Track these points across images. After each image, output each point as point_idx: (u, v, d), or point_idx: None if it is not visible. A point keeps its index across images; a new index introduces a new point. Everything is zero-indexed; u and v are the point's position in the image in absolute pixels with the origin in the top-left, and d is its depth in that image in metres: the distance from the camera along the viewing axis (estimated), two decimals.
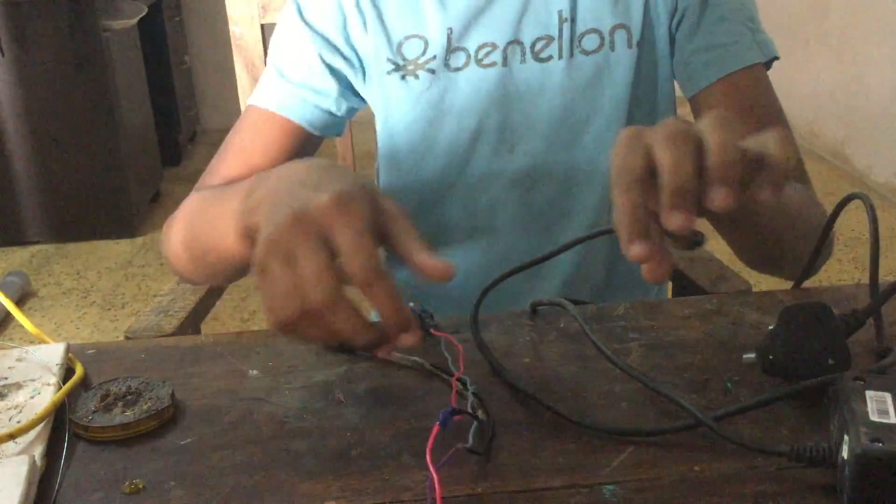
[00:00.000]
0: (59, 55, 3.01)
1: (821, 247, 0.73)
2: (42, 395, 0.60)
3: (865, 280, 0.67)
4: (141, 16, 3.33)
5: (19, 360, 0.65)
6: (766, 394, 0.56)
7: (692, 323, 0.68)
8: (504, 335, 0.67)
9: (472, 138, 0.90)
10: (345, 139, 1.24)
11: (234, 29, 1.16)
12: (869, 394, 0.49)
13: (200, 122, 4.40)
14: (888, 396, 0.49)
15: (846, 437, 0.47)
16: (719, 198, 0.50)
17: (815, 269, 0.77)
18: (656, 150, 0.51)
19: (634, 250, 0.51)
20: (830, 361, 0.57)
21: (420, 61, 0.89)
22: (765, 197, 0.52)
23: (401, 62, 0.89)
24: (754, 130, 0.85)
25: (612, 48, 0.88)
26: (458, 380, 0.57)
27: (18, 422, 0.57)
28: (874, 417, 0.47)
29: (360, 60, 0.92)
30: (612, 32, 0.88)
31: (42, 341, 0.69)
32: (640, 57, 0.88)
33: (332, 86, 0.91)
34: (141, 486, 0.52)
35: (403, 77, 0.89)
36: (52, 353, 0.66)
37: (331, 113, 0.92)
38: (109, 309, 2.73)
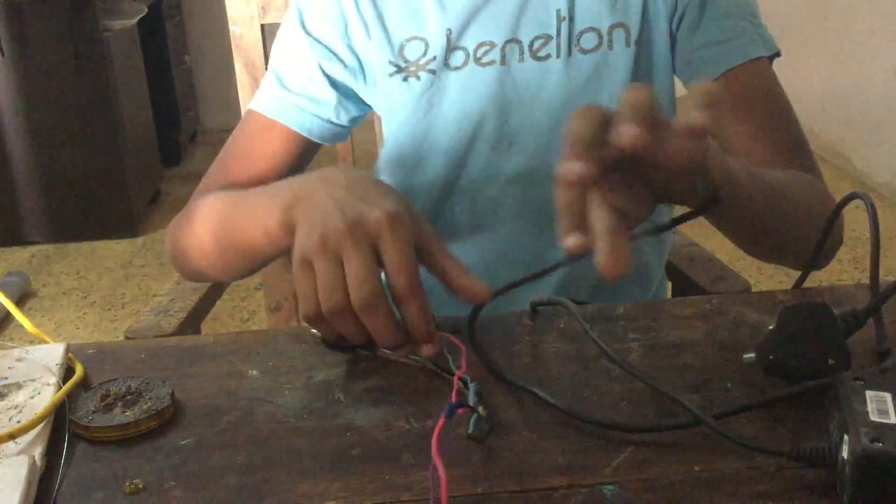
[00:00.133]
0: (59, 55, 3.01)
1: (823, 243, 0.73)
2: (42, 395, 0.60)
3: (865, 280, 0.67)
4: (141, 16, 3.33)
5: (19, 360, 0.65)
6: (766, 394, 0.56)
7: (692, 323, 0.68)
8: (504, 335, 0.67)
9: (471, 137, 0.90)
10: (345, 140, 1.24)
11: (234, 29, 1.16)
12: (869, 394, 0.49)
13: (200, 122, 4.40)
14: (888, 396, 0.49)
15: (846, 437, 0.47)
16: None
17: (827, 260, 0.77)
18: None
19: (572, 240, 0.52)
20: (830, 361, 0.57)
21: (421, 62, 0.89)
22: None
23: (402, 64, 0.90)
24: (762, 123, 0.85)
25: (611, 47, 0.88)
26: (460, 378, 0.57)
27: (18, 422, 0.57)
28: (874, 417, 0.47)
29: (362, 65, 0.92)
30: (610, 31, 0.88)
31: (42, 341, 0.69)
32: (638, 56, 0.88)
33: (331, 96, 0.92)
34: (141, 486, 0.52)
35: (405, 79, 0.90)
36: (52, 353, 0.66)
37: (330, 122, 0.93)
38: (109, 309, 2.73)
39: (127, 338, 0.93)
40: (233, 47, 1.17)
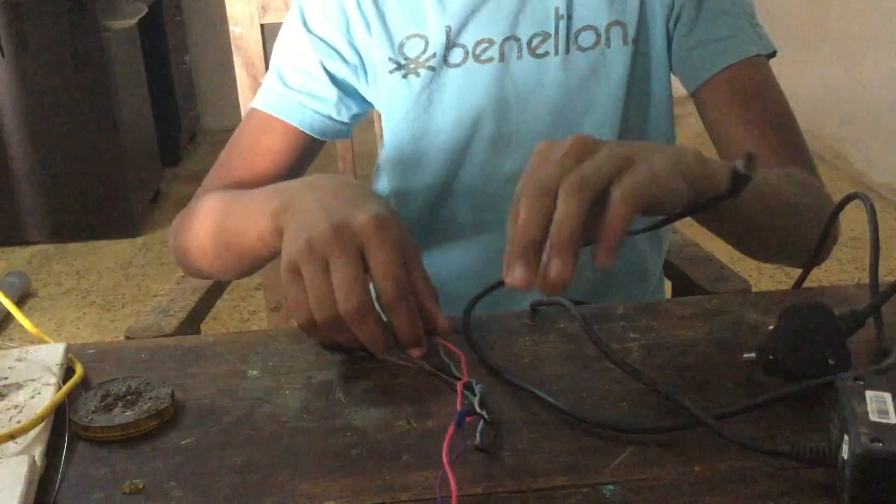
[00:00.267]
0: (59, 55, 3.01)
1: (823, 242, 0.73)
2: (42, 395, 0.60)
3: (865, 280, 0.67)
4: (141, 16, 3.33)
5: (19, 360, 0.65)
6: (766, 394, 0.56)
7: (692, 323, 0.68)
8: (504, 335, 0.67)
9: (470, 134, 0.91)
10: (345, 139, 1.24)
11: (234, 29, 1.16)
12: (869, 394, 0.49)
13: (200, 122, 4.40)
14: (888, 396, 0.49)
15: (846, 437, 0.47)
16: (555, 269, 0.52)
17: (824, 257, 0.77)
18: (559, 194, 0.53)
19: (516, 275, 0.54)
20: (830, 361, 0.57)
21: (421, 59, 0.90)
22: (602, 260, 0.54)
23: (402, 61, 0.90)
24: (759, 121, 0.86)
25: (608, 45, 0.89)
26: (465, 385, 0.57)
27: (18, 422, 0.57)
28: (874, 417, 0.47)
29: (363, 62, 0.93)
30: (607, 29, 0.88)
31: (42, 341, 0.69)
32: (635, 54, 0.89)
33: (332, 93, 0.92)
34: (141, 486, 0.52)
35: (405, 76, 0.91)
36: (52, 353, 0.66)
37: (331, 118, 0.93)
38: (109, 309, 2.73)
39: (127, 338, 0.93)
40: (233, 47, 1.17)
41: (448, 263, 0.94)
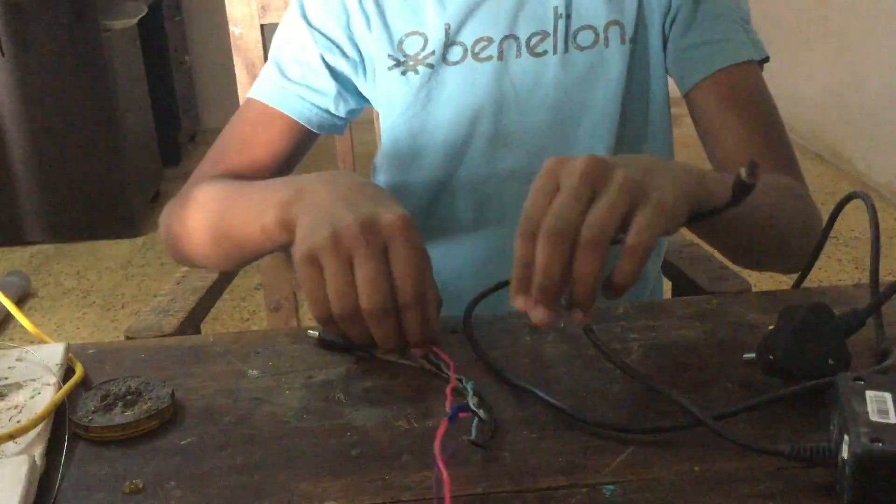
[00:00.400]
0: (59, 55, 3.01)
1: (821, 249, 0.73)
2: (42, 395, 0.60)
3: (865, 280, 0.67)
4: (141, 16, 3.33)
5: (19, 360, 0.65)
6: (766, 394, 0.56)
7: (692, 323, 0.68)
8: (504, 335, 0.67)
9: (468, 132, 0.91)
10: (345, 140, 1.24)
11: (234, 29, 1.16)
12: (869, 394, 0.49)
13: (200, 122, 4.40)
14: (888, 396, 0.49)
15: (846, 437, 0.47)
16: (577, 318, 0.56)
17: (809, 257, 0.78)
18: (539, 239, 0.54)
19: (518, 302, 0.55)
20: (830, 361, 0.57)
21: (420, 56, 0.90)
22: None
23: (401, 58, 0.91)
24: (748, 124, 0.86)
25: (606, 44, 0.89)
26: (458, 380, 0.57)
27: (18, 422, 0.57)
28: (874, 417, 0.47)
29: (363, 57, 0.93)
30: (606, 29, 0.89)
31: (42, 341, 0.69)
32: (633, 53, 0.89)
33: (331, 86, 0.93)
34: (141, 486, 0.52)
35: (404, 73, 0.91)
36: (52, 353, 0.66)
37: (329, 112, 0.94)
38: (109, 309, 2.73)
39: (127, 338, 0.93)
40: (233, 47, 1.17)
41: (446, 261, 0.94)
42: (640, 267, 0.55)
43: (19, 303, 2.72)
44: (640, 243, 0.54)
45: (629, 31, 0.89)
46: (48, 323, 2.63)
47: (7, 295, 0.72)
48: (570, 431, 0.55)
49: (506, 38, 0.89)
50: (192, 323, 0.99)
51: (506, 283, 0.63)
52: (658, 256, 1.01)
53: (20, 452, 0.54)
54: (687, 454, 0.52)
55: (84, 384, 0.63)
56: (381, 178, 0.98)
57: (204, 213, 0.83)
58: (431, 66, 0.90)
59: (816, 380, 0.55)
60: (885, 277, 0.65)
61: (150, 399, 0.59)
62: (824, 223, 0.73)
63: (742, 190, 0.57)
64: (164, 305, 1.01)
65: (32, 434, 0.56)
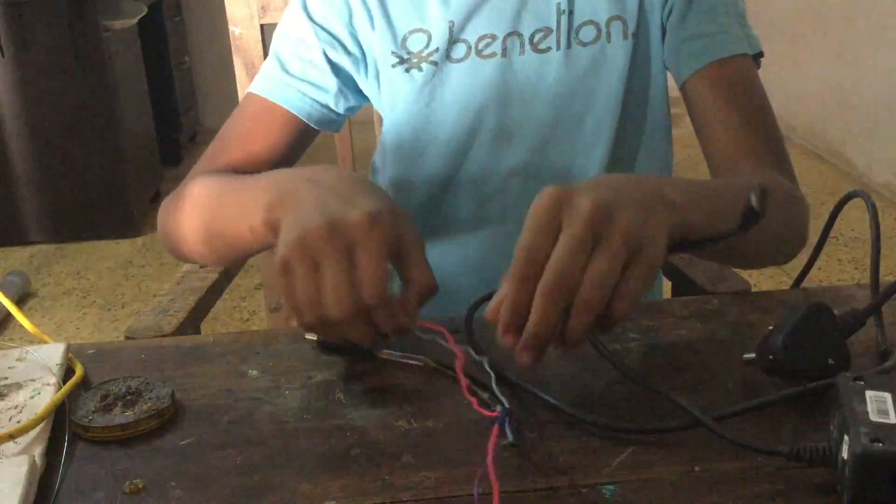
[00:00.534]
0: (59, 55, 3.01)
1: (821, 248, 0.73)
2: (42, 395, 0.60)
3: (865, 280, 0.67)
4: (141, 16, 3.33)
5: (19, 360, 0.65)
6: (765, 394, 0.56)
7: (692, 323, 0.68)
8: None
9: (471, 129, 0.92)
10: (345, 139, 1.24)
11: (234, 29, 1.16)
12: (869, 394, 0.49)
13: (200, 122, 4.40)
14: (888, 396, 0.49)
15: (846, 437, 0.47)
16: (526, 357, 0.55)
17: (793, 256, 0.78)
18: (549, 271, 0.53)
19: (507, 341, 0.55)
20: (830, 361, 0.57)
21: (423, 54, 0.91)
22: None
23: (405, 55, 0.91)
24: (740, 118, 0.86)
25: (609, 40, 0.89)
26: (467, 377, 0.57)
27: (18, 422, 0.57)
28: (874, 417, 0.47)
29: (364, 55, 0.93)
30: (608, 24, 0.89)
31: (42, 341, 0.69)
32: (635, 48, 0.90)
33: (332, 83, 0.93)
34: (141, 486, 0.52)
35: (408, 70, 0.91)
36: (52, 353, 0.66)
37: (329, 108, 0.94)
38: (109, 309, 2.73)
39: (127, 338, 0.93)
40: (233, 47, 1.17)
41: (449, 258, 0.94)
42: (613, 325, 0.56)
43: (19, 303, 2.72)
44: (622, 310, 0.54)
45: (631, 27, 0.89)
46: (48, 323, 2.63)
47: (7, 295, 0.72)
48: (570, 431, 0.55)
49: (509, 34, 0.90)
50: (192, 323, 0.99)
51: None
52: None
53: (20, 452, 0.54)
54: (687, 454, 0.52)
55: (84, 384, 0.63)
56: (382, 177, 0.98)
57: (197, 210, 0.82)
58: (435, 63, 0.90)
59: (816, 379, 0.55)
60: (885, 277, 0.65)
61: (150, 399, 0.59)
62: (825, 223, 0.73)
63: (751, 217, 0.57)
64: (164, 305, 1.01)
65: (32, 434, 0.56)
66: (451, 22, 0.90)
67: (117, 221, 3.21)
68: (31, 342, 0.69)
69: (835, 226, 0.72)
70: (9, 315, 2.46)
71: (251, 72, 1.17)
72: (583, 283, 0.52)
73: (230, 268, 1.06)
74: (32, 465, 0.52)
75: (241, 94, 1.18)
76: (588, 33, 0.89)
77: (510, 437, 0.52)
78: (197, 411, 0.60)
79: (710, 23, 0.88)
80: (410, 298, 0.61)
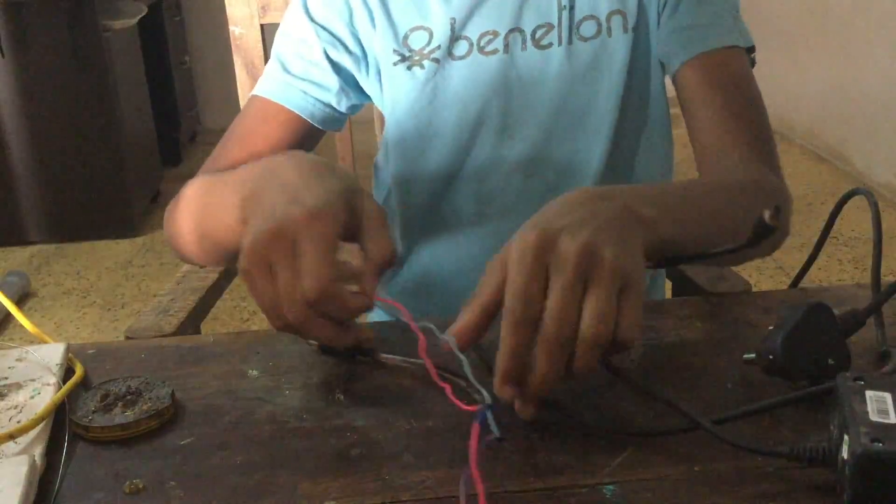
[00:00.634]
0: (59, 55, 3.01)
1: (820, 248, 0.73)
2: (42, 395, 0.60)
3: (865, 280, 0.67)
4: (141, 16, 3.33)
5: (19, 360, 0.65)
6: (765, 394, 0.56)
7: (692, 323, 0.68)
8: None
9: (474, 125, 0.92)
10: (345, 139, 1.24)
11: (234, 29, 1.16)
12: (869, 394, 0.49)
13: (200, 122, 4.40)
14: (888, 396, 0.49)
15: (846, 437, 0.47)
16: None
17: (775, 248, 0.77)
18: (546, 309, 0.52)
19: (506, 392, 0.53)
20: (830, 361, 0.57)
21: (425, 51, 0.91)
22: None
23: (407, 53, 0.91)
24: (729, 109, 0.85)
25: (609, 34, 0.90)
26: (441, 375, 0.56)
27: (18, 422, 0.57)
28: (874, 417, 0.47)
29: (365, 54, 0.94)
30: (608, 18, 0.90)
31: (42, 341, 0.69)
32: (635, 42, 0.90)
33: (333, 81, 0.93)
34: (141, 486, 0.52)
35: (409, 68, 0.92)
36: (52, 353, 0.66)
37: (331, 107, 0.94)
38: (109, 309, 2.73)
39: (127, 338, 0.93)
40: (233, 47, 1.17)
41: (450, 256, 0.94)
42: (623, 352, 0.55)
43: (19, 303, 2.72)
44: (630, 338, 0.53)
45: (631, 21, 0.89)
46: (48, 323, 2.63)
47: (7, 295, 0.72)
48: (570, 431, 0.55)
49: (511, 31, 0.90)
50: (192, 323, 0.99)
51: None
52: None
53: (20, 452, 0.54)
54: (687, 454, 0.52)
55: (84, 384, 0.63)
56: (385, 175, 0.98)
57: (187, 212, 0.82)
58: (437, 60, 0.91)
59: (816, 379, 0.55)
60: (886, 277, 0.65)
61: (150, 399, 0.59)
62: (825, 222, 0.73)
63: (762, 232, 0.56)
64: (164, 305, 1.01)
65: (32, 434, 0.56)
66: (453, 19, 0.90)
67: (117, 221, 3.21)
68: (31, 342, 0.69)
69: (835, 226, 0.72)
70: (9, 315, 2.46)
71: (251, 72, 1.17)
72: (584, 325, 0.52)
73: (229, 267, 1.06)
74: (32, 465, 0.52)
75: (241, 94, 1.18)
76: (589, 28, 0.90)
77: (495, 431, 0.50)
78: (197, 411, 0.60)
79: (701, 14, 0.88)
80: (367, 272, 0.60)
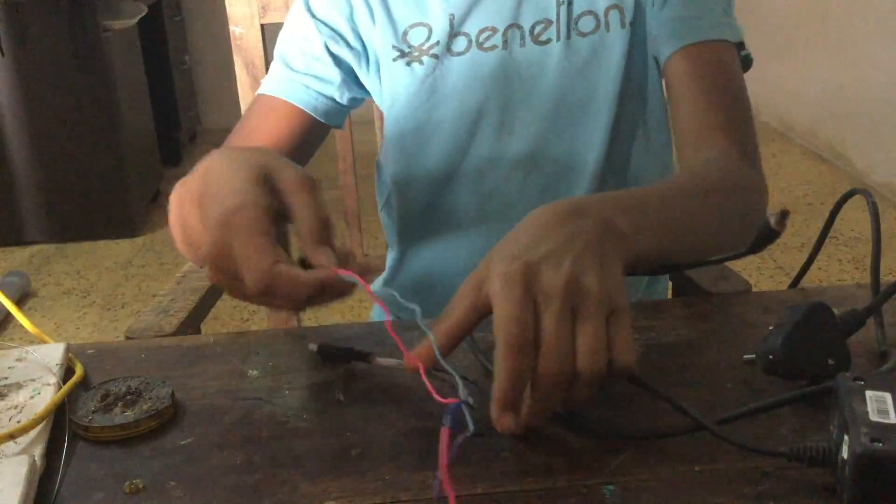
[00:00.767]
0: (59, 55, 3.01)
1: (820, 246, 0.73)
2: (42, 395, 0.60)
3: (865, 280, 0.67)
4: (141, 16, 3.33)
5: (19, 360, 0.65)
6: (765, 394, 0.56)
7: (692, 323, 0.68)
8: None
9: (473, 121, 0.92)
10: (345, 139, 1.24)
11: (234, 29, 1.16)
12: (869, 394, 0.49)
13: (200, 122, 4.40)
14: (888, 396, 0.49)
15: (846, 437, 0.47)
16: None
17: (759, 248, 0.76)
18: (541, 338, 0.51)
19: (505, 422, 0.52)
20: (830, 361, 0.57)
21: (424, 47, 0.91)
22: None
23: (406, 49, 0.92)
24: (711, 101, 0.85)
25: (607, 29, 0.90)
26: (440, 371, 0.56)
27: (18, 422, 0.57)
28: (874, 417, 0.47)
29: (366, 49, 0.94)
30: (606, 13, 0.90)
31: (42, 341, 0.69)
32: (632, 37, 0.90)
33: (335, 75, 0.94)
34: (141, 486, 0.52)
35: (409, 63, 0.92)
36: (52, 353, 0.66)
37: (334, 100, 0.95)
38: (109, 309, 2.73)
39: (127, 338, 0.93)
40: (233, 47, 1.17)
41: (451, 254, 0.94)
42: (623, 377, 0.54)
43: (19, 303, 2.72)
44: (628, 361, 0.52)
45: (629, 15, 0.90)
46: (48, 323, 2.63)
47: (7, 295, 0.72)
48: (570, 431, 0.55)
49: (510, 27, 0.90)
50: (192, 323, 0.99)
51: None
52: None
53: (20, 452, 0.54)
54: (687, 454, 0.52)
55: (84, 384, 0.63)
56: (387, 172, 0.98)
57: (174, 211, 0.82)
58: (436, 56, 0.91)
59: (816, 379, 0.55)
60: (886, 277, 0.65)
61: (150, 399, 0.59)
62: (825, 221, 0.73)
63: (768, 237, 0.56)
64: (164, 305, 1.01)
65: (32, 434, 0.56)
66: (452, 15, 0.90)
67: (117, 221, 3.21)
68: (31, 342, 0.69)
69: (835, 226, 0.72)
70: (9, 315, 2.46)
71: (251, 72, 1.17)
72: (580, 361, 0.51)
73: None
74: (32, 465, 0.52)
75: (241, 94, 1.18)
76: (587, 23, 0.90)
77: (471, 427, 0.48)
78: (197, 411, 0.60)
79: (691, 7, 0.88)
80: (308, 244, 0.60)
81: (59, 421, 0.58)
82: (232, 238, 0.58)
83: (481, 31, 0.90)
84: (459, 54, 0.91)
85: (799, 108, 3.78)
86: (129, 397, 0.59)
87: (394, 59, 0.92)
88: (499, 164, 0.92)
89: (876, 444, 0.45)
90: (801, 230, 2.86)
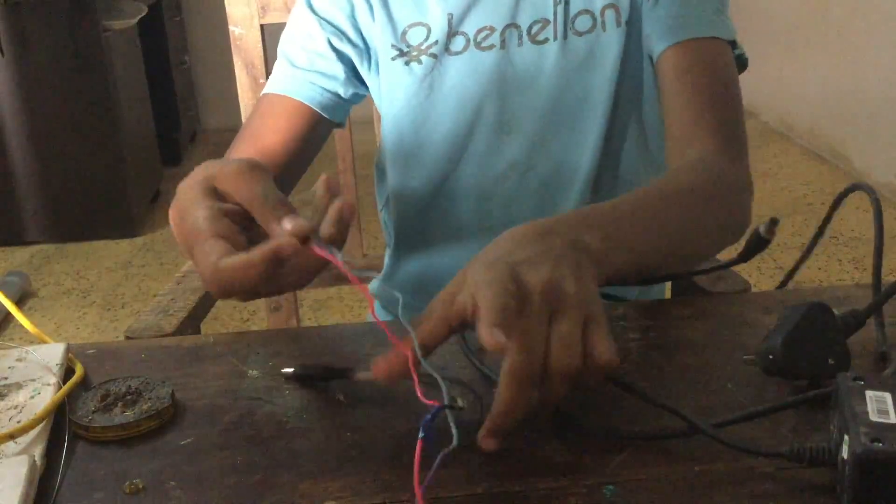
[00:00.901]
0: (59, 55, 3.01)
1: (815, 244, 0.73)
2: (42, 395, 0.60)
3: (865, 280, 0.66)
4: (141, 16, 3.33)
5: (19, 360, 0.65)
6: (765, 394, 0.56)
7: (692, 323, 0.68)
8: None
9: (471, 121, 0.92)
10: (345, 139, 1.24)
11: (234, 29, 1.16)
12: (869, 394, 0.49)
13: (200, 122, 4.40)
14: (888, 396, 0.49)
15: (846, 437, 0.47)
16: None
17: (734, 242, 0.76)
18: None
19: (487, 443, 0.52)
20: (830, 361, 0.57)
21: (423, 47, 0.92)
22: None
23: (405, 48, 0.92)
24: (699, 97, 0.85)
25: (604, 28, 0.90)
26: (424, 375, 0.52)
27: (18, 422, 0.57)
28: (874, 417, 0.47)
29: (367, 46, 0.95)
30: (602, 12, 0.90)
31: (42, 341, 0.69)
32: (628, 36, 0.90)
33: (339, 70, 0.94)
34: (141, 486, 0.52)
35: (407, 63, 0.92)
36: (52, 353, 0.66)
37: (338, 95, 0.95)
38: (109, 309, 2.73)
39: (127, 338, 0.93)
40: (233, 47, 1.17)
41: (448, 255, 0.94)
42: (604, 378, 0.55)
43: (19, 303, 2.72)
44: (609, 360, 0.52)
45: (624, 14, 0.90)
46: (48, 323, 2.63)
47: (7, 295, 0.72)
48: (570, 432, 0.55)
49: (507, 26, 0.90)
50: (192, 323, 0.99)
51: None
52: None
53: (20, 452, 0.54)
54: (687, 455, 0.52)
55: (84, 384, 0.63)
56: (385, 173, 0.99)
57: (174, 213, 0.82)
58: (434, 56, 0.91)
59: (816, 379, 0.55)
60: (886, 277, 0.65)
61: (150, 399, 0.59)
62: (824, 217, 0.73)
63: (757, 245, 0.56)
64: (164, 305, 1.01)
65: (32, 434, 0.56)
66: (450, 15, 0.91)
67: (117, 221, 3.21)
68: (31, 342, 0.69)
69: (835, 226, 0.72)
70: (9, 315, 2.46)
71: (251, 72, 1.17)
72: (553, 352, 0.51)
73: None
74: (32, 465, 0.52)
75: (241, 94, 1.18)
76: (584, 23, 0.90)
77: (455, 440, 0.46)
78: (197, 411, 0.60)
79: (684, 5, 0.88)
80: (257, 218, 0.58)
81: (59, 421, 0.58)
82: (189, 246, 0.59)
83: (479, 31, 0.91)
84: (457, 54, 0.91)
85: (799, 108, 3.78)
86: (129, 397, 0.59)
87: (393, 59, 0.92)
88: (496, 165, 0.93)
89: (876, 444, 0.45)
90: (801, 230, 2.86)
